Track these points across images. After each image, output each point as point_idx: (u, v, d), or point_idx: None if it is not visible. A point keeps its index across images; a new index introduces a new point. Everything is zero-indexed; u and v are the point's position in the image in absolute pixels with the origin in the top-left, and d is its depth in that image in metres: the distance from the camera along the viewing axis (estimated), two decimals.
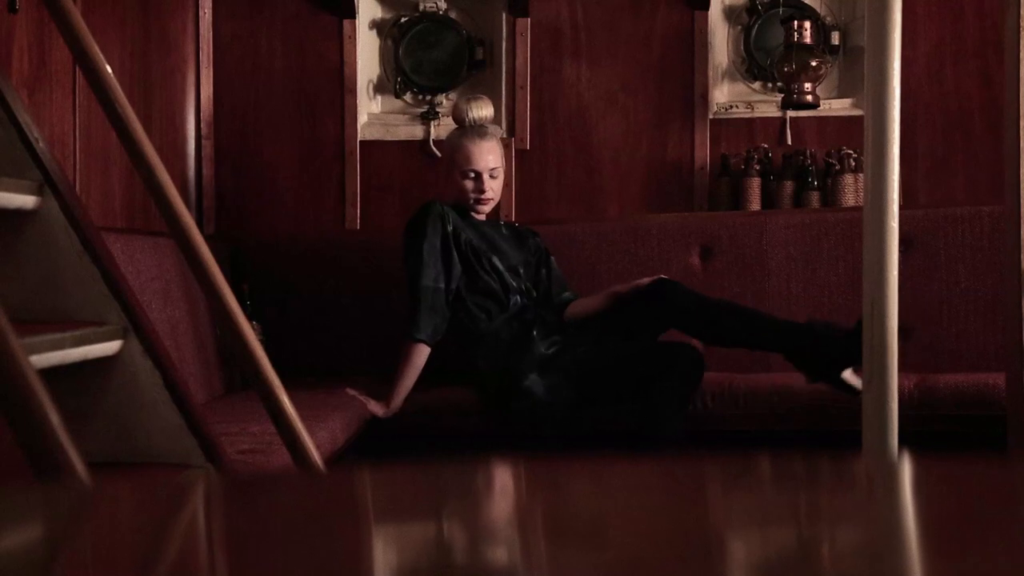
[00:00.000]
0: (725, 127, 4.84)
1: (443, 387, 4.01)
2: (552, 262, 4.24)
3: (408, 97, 4.99)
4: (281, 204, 4.89)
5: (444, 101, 4.96)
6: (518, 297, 4.04)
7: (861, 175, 4.23)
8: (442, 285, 3.94)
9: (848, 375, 3.66)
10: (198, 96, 4.82)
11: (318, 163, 4.90)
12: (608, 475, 0.86)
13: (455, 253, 3.99)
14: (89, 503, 0.84)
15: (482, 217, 4.16)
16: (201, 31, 4.83)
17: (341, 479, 0.94)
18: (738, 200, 4.74)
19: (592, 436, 3.89)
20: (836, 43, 4.85)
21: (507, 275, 4.05)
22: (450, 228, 3.99)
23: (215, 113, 4.86)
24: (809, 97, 4.74)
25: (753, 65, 4.91)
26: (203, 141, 4.82)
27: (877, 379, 2.33)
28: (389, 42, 5.00)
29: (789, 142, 4.80)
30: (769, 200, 4.74)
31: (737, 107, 4.86)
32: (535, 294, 4.14)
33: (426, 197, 4.39)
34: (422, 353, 3.89)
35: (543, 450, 3.81)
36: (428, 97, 4.95)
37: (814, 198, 4.70)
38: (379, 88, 5.01)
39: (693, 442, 3.77)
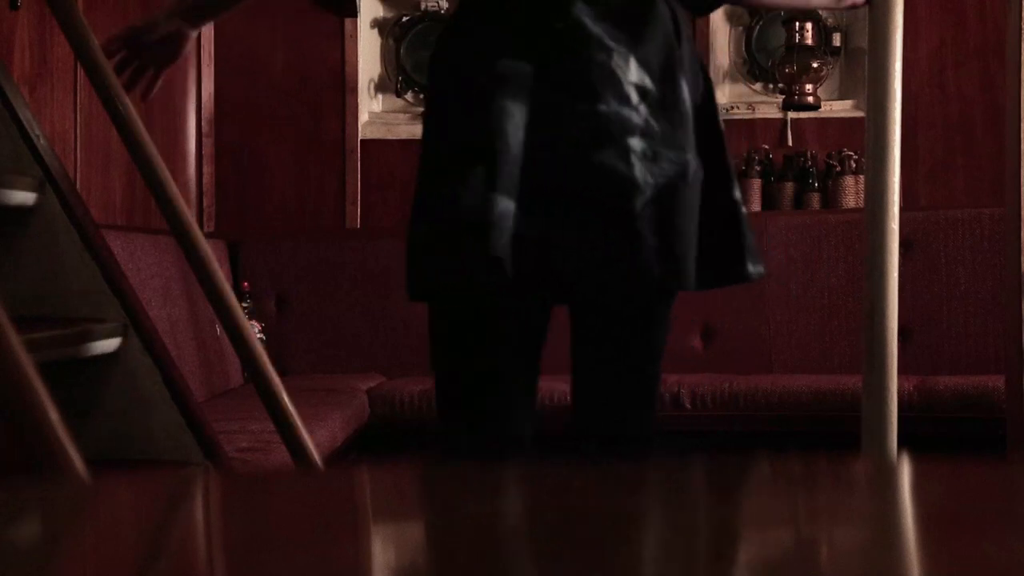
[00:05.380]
0: (726, 128, 4.81)
1: None
2: None
3: (409, 96, 4.99)
4: (282, 203, 4.89)
5: None
6: None
7: (862, 177, 4.23)
8: None
9: None
10: (199, 94, 4.81)
11: (319, 162, 4.90)
12: (607, 476, 0.86)
13: None
14: (88, 500, 0.84)
15: None
16: (203, 28, 4.82)
17: (340, 478, 0.94)
18: None
19: None
20: (837, 45, 4.85)
21: None
22: None
23: (216, 111, 4.86)
24: (810, 98, 4.74)
25: (754, 66, 4.91)
26: (204, 139, 4.82)
27: (877, 381, 2.32)
28: (391, 41, 5.00)
29: (790, 143, 4.80)
30: (769, 201, 4.74)
31: (738, 108, 4.86)
32: None
33: None
34: None
35: (543, 449, 3.80)
36: None
37: (815, 199, 4.70)
38: (380, 87, 5.01)
39: (693, 443, 3.77)
